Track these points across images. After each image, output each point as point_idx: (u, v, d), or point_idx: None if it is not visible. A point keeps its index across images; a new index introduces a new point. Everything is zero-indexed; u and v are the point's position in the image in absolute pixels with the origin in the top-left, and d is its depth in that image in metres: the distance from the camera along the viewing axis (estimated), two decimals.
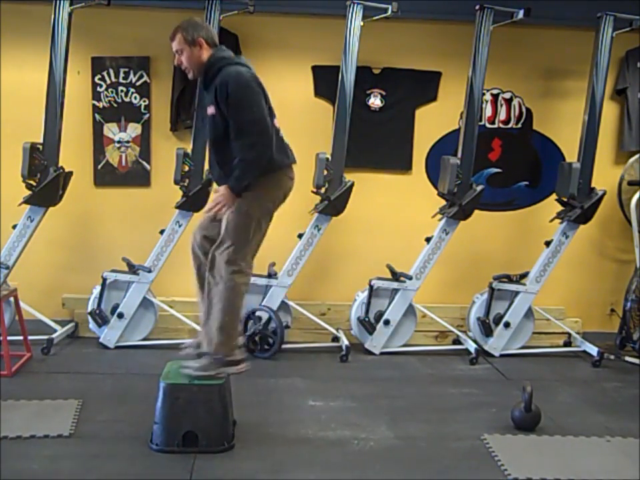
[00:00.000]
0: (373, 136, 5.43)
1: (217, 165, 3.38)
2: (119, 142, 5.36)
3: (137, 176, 5.39)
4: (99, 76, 5.29)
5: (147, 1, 5.18)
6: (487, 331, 5.12)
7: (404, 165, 5.52)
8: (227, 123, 3.21)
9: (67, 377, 4.36)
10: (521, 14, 4.84)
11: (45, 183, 4.74)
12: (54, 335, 4.84)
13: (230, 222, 3.29)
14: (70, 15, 4.74)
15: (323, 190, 4.95)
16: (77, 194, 5.12)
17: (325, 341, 5.20)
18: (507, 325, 5.10)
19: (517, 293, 5.13)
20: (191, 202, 4.91)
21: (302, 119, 5.31)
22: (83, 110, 5.28)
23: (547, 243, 5.13)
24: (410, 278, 5.02)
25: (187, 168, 4.88)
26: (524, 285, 5.13)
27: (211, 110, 3.27)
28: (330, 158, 4.93)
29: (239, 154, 3.19)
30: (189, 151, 4.92)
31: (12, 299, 4.66)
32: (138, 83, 5.31)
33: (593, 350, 5.09)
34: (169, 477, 3.07)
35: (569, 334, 5.42)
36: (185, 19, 3.39)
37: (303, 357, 4.96)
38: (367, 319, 5.03)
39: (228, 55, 3.33)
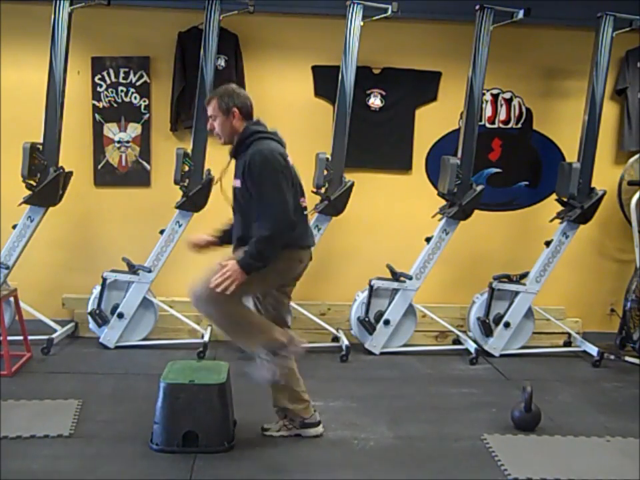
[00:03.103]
0: (372, 136, 5.43)
1: (236, 236, 3.33)
2: (118, 142, 5.36)
3: (137, 176, 5.39)
4: (99, 76, 5.29)
5: (147, 0, 5.18)
6: (487, 331, 5.12)
7: (404, 165, 5.52)
8: (250, 196, 3.18)
9: (67, 377, 4.36)
10: (521, 14, 4.84)
11: (45, 183, 4.74)
12: (54, 335, 4.84)
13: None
14: (70, 15, 4.74)
15: (323, 190, 4.95)
16: (77, 194, 5.13)
17: (325, 341, 5.20)
18: (507, 325, 5.10)
19: (516, 293, 5.13)
20: (191, 202, 4.91)
21: (302, 119, 5.31)
22: (83, 110, 5.28)
23: (547, 243, 5.13)
24: (410, 278, 5.02)
25: (186, 168, 4.88)
26: (524, 285, 5.13)
27: (236, 183, 3.24)
28: (330, 158, 4.93)
29: (257, 233, 3.13)
30: (189, 150, 4.92)
31: (12, 298, 4.66)
32: (138, 83, 5.31)
33: (593, 350, 5.09)
34: (169, 476, 3.07)
35: (569, 334, 5.42)
36: (224, 86, 3.35)
37: (303, 357, 4.94)
38: (367, 319, 5.03)
39: (262, 129, 3.28)
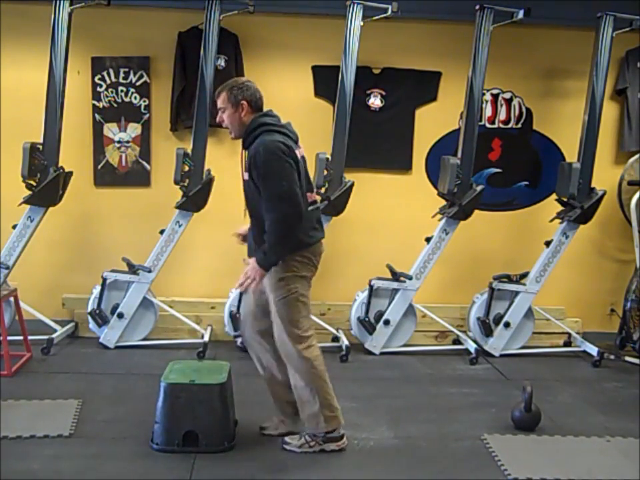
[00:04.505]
0: (373, 136, 5.42)
1: (250, 232, 3.35)
2: (119, 142, 5.36)
3: (137, 176, 5.39)
4: (99, 76, 5.29)
5: (147, 0, 5.18)
6: (487, 331, 5.12)
7: (404, 165, 5.52)
8: (259, 190, 3.16)
9: (67, 377, 4.36)
10: (521, 14, 4.84)
11: (45, 183, 4.74)
12: (54, 335, 4.84)
13: (279, 309, 3.27)
14: (70, 15, 4.74)
15: (323, 190, 4.95)
16: (77, 194, 5.12)
17: (325, 341, 5.19)
18: (507, 325, 5.10)
19: (516, 293, 5.13)
20: (191, 202, 4.91)
21: (302, 119, 5.25)
22: (83, 110, 5.28)
23: (547, 243, 5.13)
24: (410, 278, 5.02)
25: (186, 168, 4.87)
26: (524, 285, 5.13)
27: (245, 176, 3.23)
28: (330, 158, 4.93)
29: (268, 228, 3.13)
30: (189, 150, 4.91)
31: (12, 298, 4.66)
32: (138, 83, 5.31)
33: (593, 350, 5.09)
34: (169, 476, 3.07)
35: (569, 334, 5.42)
36: (234, 79, 3.35)
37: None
38: (367, 319, 5.03)
39: (270, 121, 3.24)
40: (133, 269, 4.97)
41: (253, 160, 3.13)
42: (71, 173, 4.97)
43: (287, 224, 3.10)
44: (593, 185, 5.07)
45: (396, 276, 5.05)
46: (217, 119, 3.33)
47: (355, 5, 4.87)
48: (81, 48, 5.09)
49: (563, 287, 5.49)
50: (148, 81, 5.31)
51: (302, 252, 3.26)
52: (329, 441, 3.35)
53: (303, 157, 3.29)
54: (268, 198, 3.11)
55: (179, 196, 4.92)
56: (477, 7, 4.88)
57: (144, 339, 5.04)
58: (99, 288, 4.97)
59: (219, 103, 3.27)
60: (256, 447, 3.37)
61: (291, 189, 3.09)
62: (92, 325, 5.01)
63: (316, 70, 5.37)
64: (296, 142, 3.28)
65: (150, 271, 4.95)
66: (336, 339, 5.21)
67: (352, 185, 4.98)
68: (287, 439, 3.39)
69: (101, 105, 5.31)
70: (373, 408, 3.99)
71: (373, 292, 5.04)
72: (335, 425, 3.33)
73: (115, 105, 5.32)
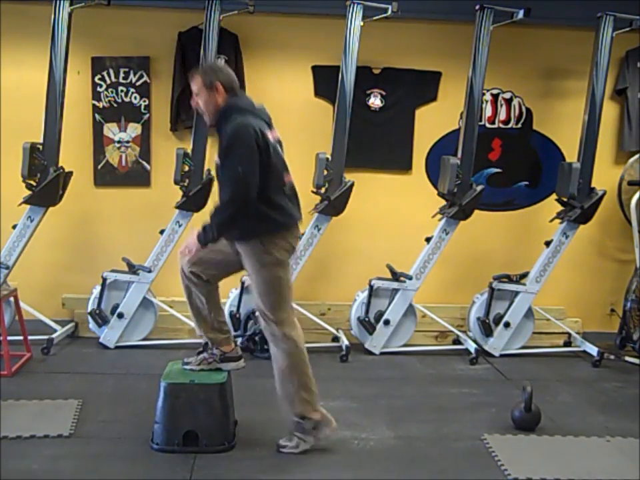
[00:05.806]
0: (373, 136, 5.43)
1: None
2: (118, 142, 5.36)
3: (137, 176, 5.39)
4: (99, 76, 5.29)
5: (147, 0, 5.18)
6: (487, 331, 5.12)
7: (404, 165, 5.52)
8: None
9: (67, 377, 4.36)
10: (521, 14, 4.84)
11: (45, 183, 4.74)
12: (54, 335, 4.84)
13: (261, 291, 3.26)
14: (70, 15, 4.74)
15: (323, 190, 4.95)
16: (76, 194, 5.12)
17: (325, 341, 5.20)
18: (506, 324, 5.10)
19: (516, 293, 5.13)
20: (191, 202, 4.91)
21: (302, 119, 5.31)
22: (83, 110, 5.28)
23: (547, 243, 5.13)
24: (410, 278, 5.02)
25: (186, 168, 4.88)
26: (524, 285, 5.13)
27: (217, 159, 3.22)
28: (330, 158, 4.93)
29: (216, 207, 3.13)
30: (189, 150, 4.92)
31: (12, 298, 4.66)
32: (138, 83, 5.31)
33: (593, 350, 5.09)
34: (168, 476, 3.07)
35: (569, 334, 5.42)
36: (208, 63, 3.36)
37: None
38: (367, 319, 5.03)
39: (241, 103, 3.22)
40: (132, 269, 4.97)
41: (220, 141, 3.13)
42: (71, 173, 4.97)
43: (234, 207, 3.08)
44: (593, 185, 5.07)
45: (396, 276, 5.05)
46: (192, 104, 3.30)
47: (355, 4, 4.87)
48: (80, 48, 5.09)
49: (563, 287, 5.48)
50: (148, 80, 5.31)
51: (280, 234, 3.22)
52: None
53: (278, 140, 3.26)
54: (223, 179, 3.13)
55: (179, 196, 4.93)
56: (477, 7, 4.88)
57: (144, 339, 5.05)
58: (99, 288, 4.98)
59: (194, 88, 3.23)
60: (256, 447, 3.37)
61: (246, 176, 3.05)
62: (92, 325, 5.01)
63: (316, 70, 5.37)
64: (269, 125, 3.24)
65: (150, 271, 4.95)
66: (336, 339, 5.21)
67: (352, 185, 4.98)
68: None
69: (100, 105, 5.31)
70: (373, 408, 3.99)
71: (373, 292, 5.04)
72: (307, 410, 3.29)
73: (115, 105, 5.32)
